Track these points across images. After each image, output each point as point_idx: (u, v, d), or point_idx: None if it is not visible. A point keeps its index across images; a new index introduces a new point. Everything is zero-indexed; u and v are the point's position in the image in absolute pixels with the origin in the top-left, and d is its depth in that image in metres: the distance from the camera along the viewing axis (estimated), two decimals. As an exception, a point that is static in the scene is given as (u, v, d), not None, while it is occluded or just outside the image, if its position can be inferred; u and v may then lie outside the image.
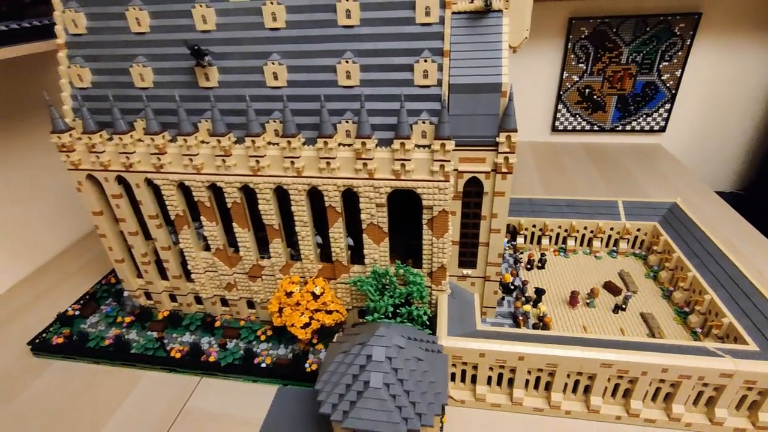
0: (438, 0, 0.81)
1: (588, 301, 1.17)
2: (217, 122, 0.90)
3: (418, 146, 0.87)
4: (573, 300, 1.16)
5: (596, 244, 1.36)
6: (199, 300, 1.19)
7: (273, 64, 0.89)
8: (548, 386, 0.92)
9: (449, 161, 0.85)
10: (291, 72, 0.90)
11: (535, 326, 1.09)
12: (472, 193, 0.95)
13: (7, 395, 1.03)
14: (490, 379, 0.94)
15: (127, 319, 1.18)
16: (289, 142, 0.88)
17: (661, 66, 2.00)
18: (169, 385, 1.04)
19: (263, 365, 1.03)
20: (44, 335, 1.15)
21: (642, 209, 1.35)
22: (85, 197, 1.04)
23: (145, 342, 1.11)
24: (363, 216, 0.94)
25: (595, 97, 2.12)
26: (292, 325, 1.01)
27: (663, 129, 2.15)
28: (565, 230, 1.37)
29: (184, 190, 1.01)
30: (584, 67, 2.05)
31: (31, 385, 1.05)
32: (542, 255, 1.32)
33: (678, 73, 2.00)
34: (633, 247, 1.37)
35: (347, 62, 0.86)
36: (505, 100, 0.86)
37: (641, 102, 2.10)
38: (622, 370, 0.86)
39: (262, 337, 1.11)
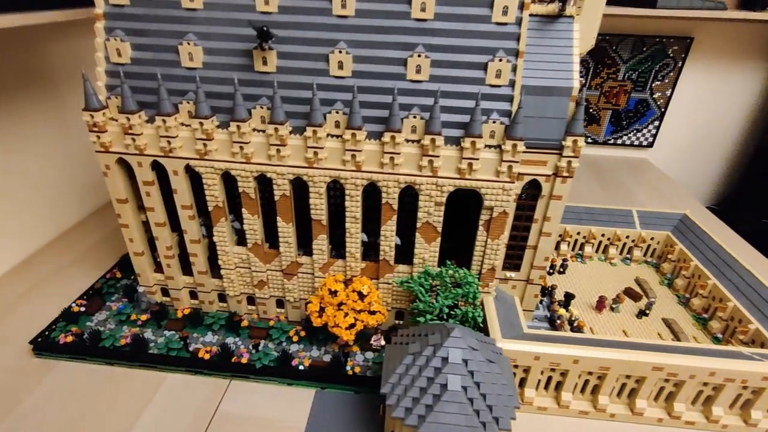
0: (517, 0, 0.81)
1: (613, 306, 1.20)
2: (277, 110, 0.85)
3: (487, 146, 0.86)
4: (600, 305, 1.19)
5: (612, 251, 1.40)
6: (222, 298, 1.12)
7: (340, 52, 0.85)
8: (594, 390, 0.94)
9: (518, 162, 0.84)
10: (356, 62, 0.86)
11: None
12: (528, 196, 0.95)
13: (10, 401, 0.92)
14: (537, 382, 0.94)
15: (143, 317, 1.09)
16: (353, 134, 0.84)
17: (653, 85, 2.11)
18: (195, 388, 0.97)
19: (300, 368, 0.98)
20: (47, 333, 1.04)
21: (655, 219, 1.41)
22: (112, 183, 0.96)
23: (166, 342, 1.03)
24: (420, 214, 0.92)
25: (591, 110, 2.20)
26: (335, 326, 0.97)
27: (651, 144, 2.26)
28: (584, 237, 1.40)
29: (226, 180, 0.95)
30: (583, 81, 2.13)
31: (36, 389, 0.95)
32: (564, 260, 1.35)
33: (668, 93, 2.12)
34: (645, 255, 1.42)
35: (419, 56, 0.84)
36: (573, 104, 0.87)
37: (633, 118, 2.20)
38: (671, 373, 0.88)
39: (295, 338, 1.06)
